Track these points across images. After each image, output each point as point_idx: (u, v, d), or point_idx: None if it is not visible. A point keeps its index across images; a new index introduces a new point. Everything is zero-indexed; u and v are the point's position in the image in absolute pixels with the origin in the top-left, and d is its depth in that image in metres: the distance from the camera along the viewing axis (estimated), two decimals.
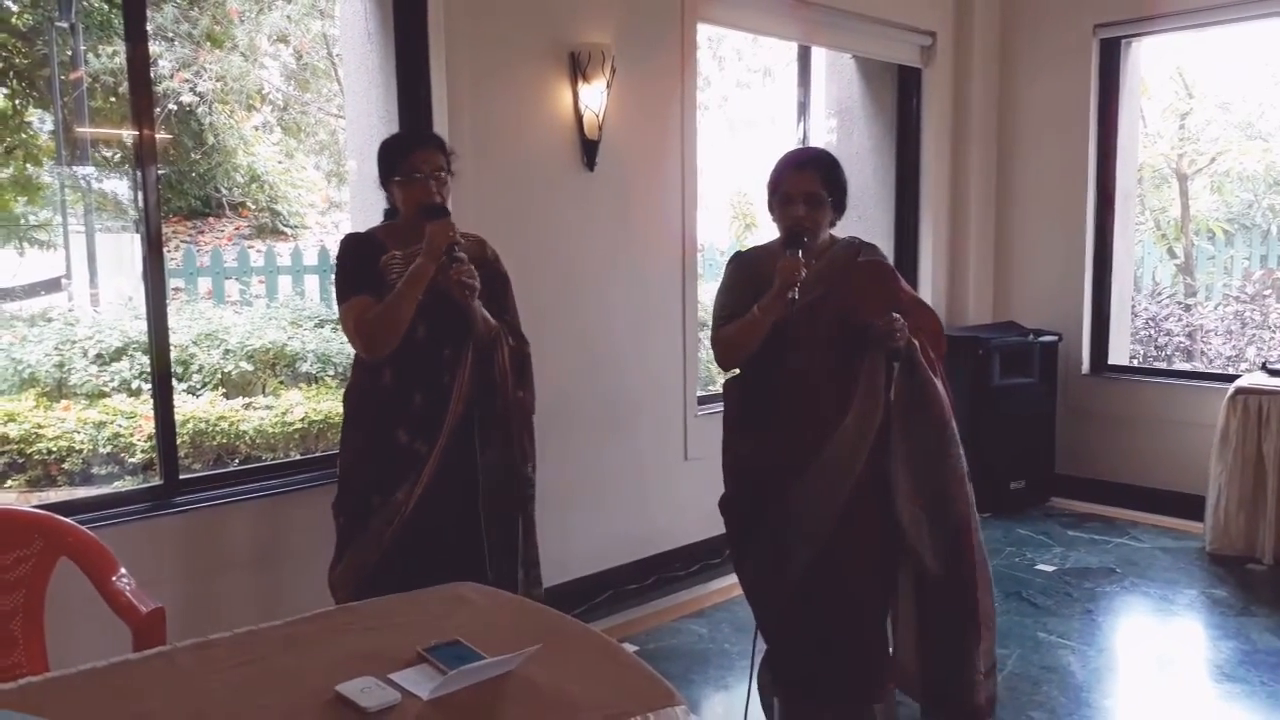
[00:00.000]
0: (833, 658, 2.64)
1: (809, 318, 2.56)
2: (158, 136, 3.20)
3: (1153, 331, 7.83)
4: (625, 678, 1.75)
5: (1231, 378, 4.86)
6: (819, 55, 5.50)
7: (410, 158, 2.62)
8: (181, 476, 3.20)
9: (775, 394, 2.66)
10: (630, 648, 3.52)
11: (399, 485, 2.56)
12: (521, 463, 2.74)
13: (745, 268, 2.70)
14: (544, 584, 3.78)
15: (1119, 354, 5.70)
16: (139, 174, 3.14)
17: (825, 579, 2.59)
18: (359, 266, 2.61)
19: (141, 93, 3.12)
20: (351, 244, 2.71)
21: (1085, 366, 5.58)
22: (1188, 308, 8.27)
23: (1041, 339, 5.38)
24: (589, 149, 3.95)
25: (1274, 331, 7.44)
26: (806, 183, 2.59)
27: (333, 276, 2.80)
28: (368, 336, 2.56)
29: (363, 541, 2.60)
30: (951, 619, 2.56)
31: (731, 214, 9.83)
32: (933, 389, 2.55)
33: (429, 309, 2.54)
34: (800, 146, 2.75)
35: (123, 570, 2.39)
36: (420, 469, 2.56)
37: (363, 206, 3.57)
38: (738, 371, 2.76)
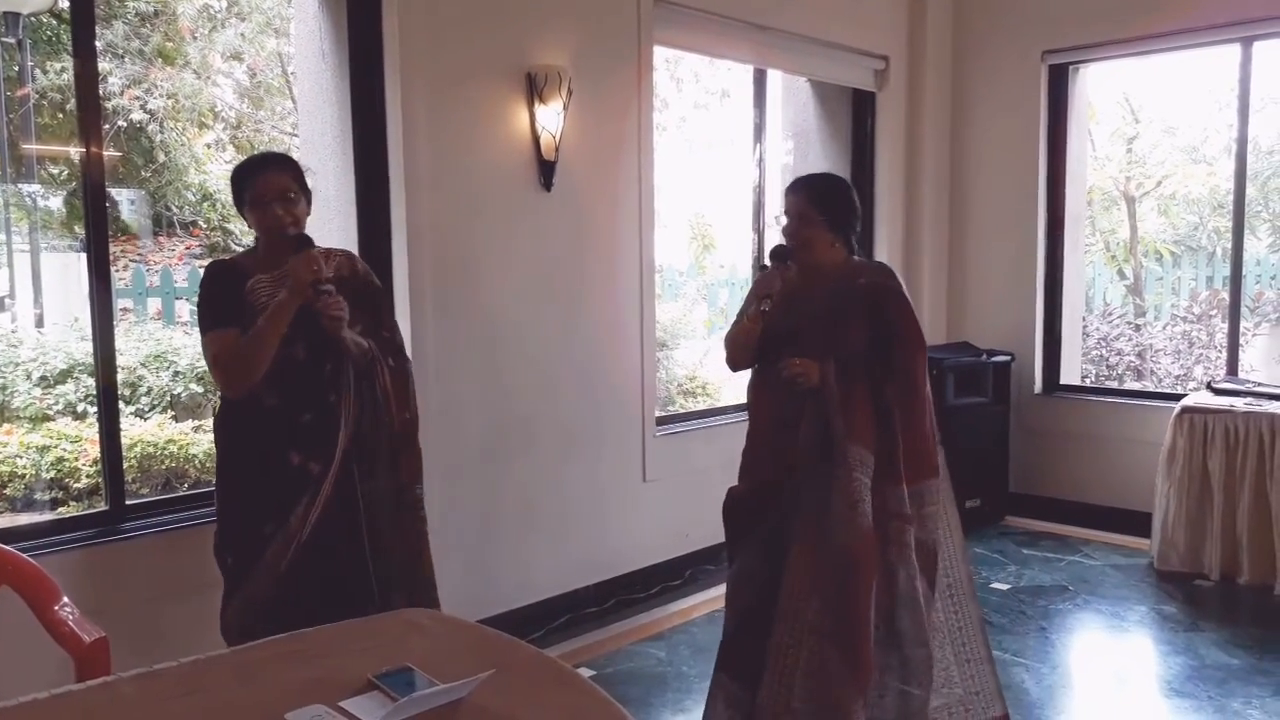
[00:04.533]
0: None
1: (803, 333, 2.68)
2: (107, 154, 3.13)
3: (1104, 351, 7.98)
4: (579, 703, 1.73)
5: (1179, 397, 4.96)
6: (775, 78, 5.56)
7: (255, 182, 2.52)
8: (128, 502, 3.13)
9: (769, 404, 2.80)
10: (588, 672, 3.50)
11: (292, 509, 2.46)
12: (410, 485, 2.67)
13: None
14: (496, 609, 3.78)
15: (1071, 374, 5.79)
16: (86, 192, 3.08)
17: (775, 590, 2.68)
18: (220, 296, 2.50)
19: (90, 110, 3.07)
20: (212, 272, 2.58)
21: (1038, 386, 5.67)
22: (1137, 328, 8.44)
23: (995, 359, 5.46)
24: (546, 170, 3.95)
25: (1220, 351, 7.60)
26: (797, 202, 2.77)
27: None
28: (227, 373, 2.47)
29: (257, 573, 2.47)
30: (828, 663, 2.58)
31: (690, 235, 9.88)
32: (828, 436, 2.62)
33: (306, 328, 2.45)
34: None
35: (65, 599, 2.33)
36: (315, 490, 2.47)
37: (313, 226, 3.52)
38: (752, 373, 2.91)
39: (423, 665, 1.78)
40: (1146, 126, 9.13)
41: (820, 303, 2.72)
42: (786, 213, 2.79)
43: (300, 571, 2.46)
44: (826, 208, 2.75)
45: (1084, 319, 6.70)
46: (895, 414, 2.66)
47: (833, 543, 2.59)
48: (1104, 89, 8.61)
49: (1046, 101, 5.58)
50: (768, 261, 2.77)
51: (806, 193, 2.77)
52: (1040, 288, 5.66)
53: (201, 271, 2.66)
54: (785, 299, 2.68)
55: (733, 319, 2.98)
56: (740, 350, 2.83)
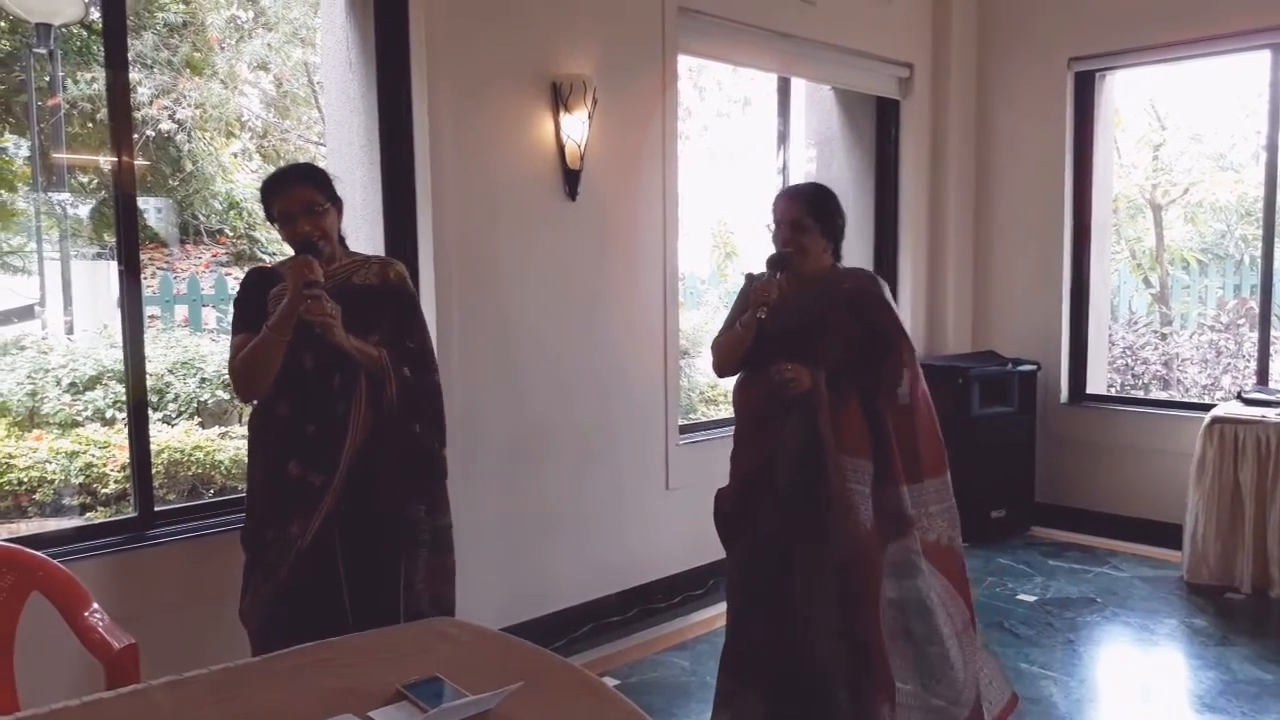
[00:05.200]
0: (773, 661, 2.75)
1: (790, 338, 2.73)
2: (136, 163, 3.16)
3: (1130, 360, 7.90)
4: (607, 714, 1.73)
5: (1208, 406, 4.90)
6: (798, 86, 5.55)
7: (276, 200, 2.53)
8: (156, 508, 3.15)
9: (755, 403, 2.85)
10: (612, 681, 3.49)
11: (292, 519, 2.45)
12: (405, 503, 2.57)
13: (749, 285, 2.89)
14: (518, 618, 3.78)
15: (1097, 383, 5.74)
16: (118, 201, 3.11)
17: (778, 591, 2.74)
18: (246, 301, 2.56)
19: (121, 120, 3.10)
20: (246, 279, 2.64)
21: (1064, 395, 5.62)
22: (1164, 336, 8.36)
23: (1020, 368, 5.41)
24: (571, 179, 3.96)
25: (1248, 360, 7.52)
26: (791, 210, 2.81)
27: None
28: (234, 378, 2.52)
29: (261, 573, 2.50)
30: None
31: (712, 243, 9.88)
32: (819, 434, 2.67)
33: (315, 338, 2.42)
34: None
35: (95, 605, 2.34)
36: (317, 502, 2.45)
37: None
38: (740, 376, 2.95)
39: (450, 675, 1.78)
40: (1173, 133, 9.03)
41: (808, 308, 2.78)
42: (779, 221, 2.83)
43: (299, 581, 2.46)
44: (819, 215, 2.81)
45: (1110, 328, 6.63)
46: (888, 418, 2.72)
47: (832, 548, 2.64)
48: (1130, 95, 8.54)
49: (1073, 109, 5.54)
50: (765, 269, 2.79)
51: (800, 201, 2.83)
52: (1066, 296, 5.61)
53: (229, 279, 2.70)
54: (776, 304, 2.72)
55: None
56: (731, 356, 2.88)
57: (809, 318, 2.76)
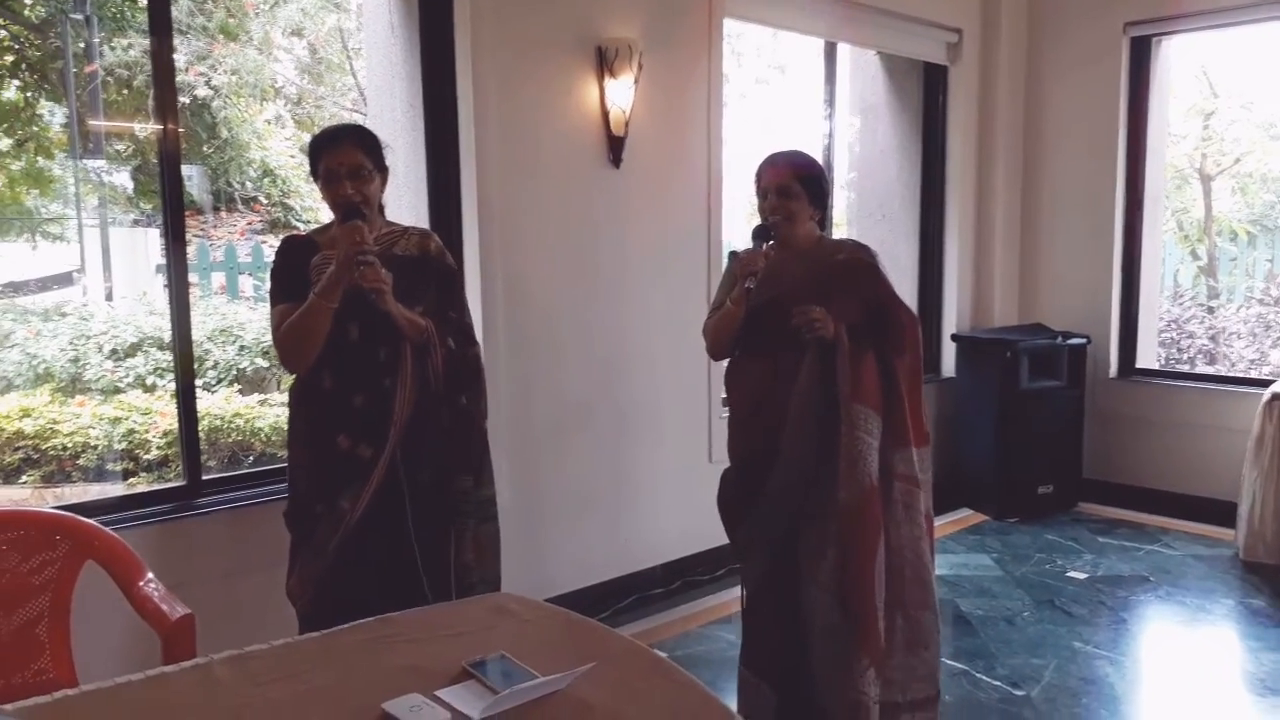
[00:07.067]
0: (793, 648, 2.68)
1: (783, 308, 2.62)
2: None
3: (1175, 334, 7.74)
4: (680, 697, 1.68)
5: (1261, 382, 4.78)
6: (843, 52, 5.43)
7: (324, 157, 2.47)
8: (204, 477, 3.14)
9: (753, 381, 2.78)
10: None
11: (342, 492, 2.42)
12: (455, 473, 2.56)
13: (735, 263, 2.80)
14: (565, 589, 3.76)
15: (1147, 357, 5.61)
16: (162, 168, 3.07)
17: (787, 571, 2.66)
18: (285, 271, 2.49)
19: (165, 86, 3.06)
20: (283, 247, 2.57)
21: (1113, 370, 5.50)
22: (1210, 310, 8.18)
23: (1070, 341, 5.30)
24: (615, 145, 3.89)
25: None
26: (778, 175, 2.72)
27: None
28: (281, 349, 2.46)
29: (309, 551, 2.46)
30: (830, 625, 2.57)
31: (750, 211, 9.77)
32: (838, 380, 2.59)
33: (360, 309, 2.38)
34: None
35: (150, 575, 2.33)
36: (366, 475, 2.42)
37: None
38: (731, 361, 2.87)
39: (515, 652, 1.75)
40: (1224, 102, 8.78)
41: (801, 278, 2.68)
42: (765, 188, 2.74)
43: (349, 555, 2.43)
44: (808, 180, 2.73)
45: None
46: (901, 381, 2.65)
47: (837, 501, 2.56)
48: (1180, 62, 8.29)
49: (1128, 75, 5.37)
50: (750, 242, 2.69)
51: (788, 167, 2.73)
52: (1117, 269, 5.48)
53: (265, 247, 2.65)
54: (765, 275, 2.63)
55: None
56: (725, 335, 2.78)
57: (802, 286, 2.65)
